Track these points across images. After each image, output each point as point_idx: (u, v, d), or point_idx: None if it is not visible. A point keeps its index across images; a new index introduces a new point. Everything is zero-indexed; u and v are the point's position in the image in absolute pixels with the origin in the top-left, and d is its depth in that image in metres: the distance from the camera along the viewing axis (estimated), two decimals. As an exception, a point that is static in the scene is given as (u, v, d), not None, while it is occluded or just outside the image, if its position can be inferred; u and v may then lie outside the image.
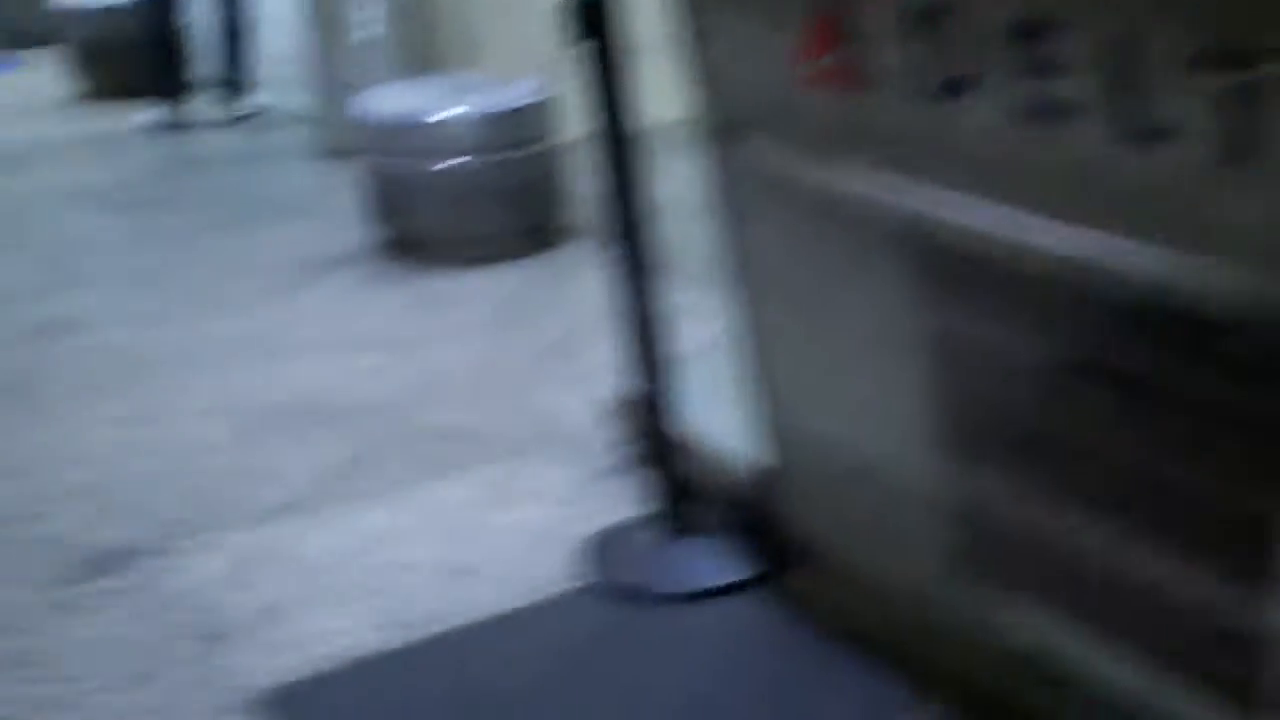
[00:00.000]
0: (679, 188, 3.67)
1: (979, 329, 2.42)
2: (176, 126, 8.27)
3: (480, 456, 4.06)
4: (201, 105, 8.57)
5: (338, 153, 6.81)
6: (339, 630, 3.29)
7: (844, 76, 2.45)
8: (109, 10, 8.98)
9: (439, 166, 5.46)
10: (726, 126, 2.90)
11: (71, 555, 3.76)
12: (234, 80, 8.49)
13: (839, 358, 2.84)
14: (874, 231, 2.54)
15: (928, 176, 2.36)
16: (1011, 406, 2.43)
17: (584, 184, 5.84)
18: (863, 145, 2.48)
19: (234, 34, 8.44)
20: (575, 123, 5.80)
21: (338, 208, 6.27)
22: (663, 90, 3.31)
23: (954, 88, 2.22)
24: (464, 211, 5.51)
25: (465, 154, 5.46)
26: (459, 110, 5.47)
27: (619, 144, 3.18)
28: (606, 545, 3.51)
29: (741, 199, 2.96)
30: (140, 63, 8.67)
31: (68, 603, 3.56)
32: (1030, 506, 2.45)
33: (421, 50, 7.03)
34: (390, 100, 5.69)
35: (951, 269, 2.40)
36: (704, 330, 4.53)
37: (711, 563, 3.34)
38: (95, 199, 6.93)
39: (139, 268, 5.89)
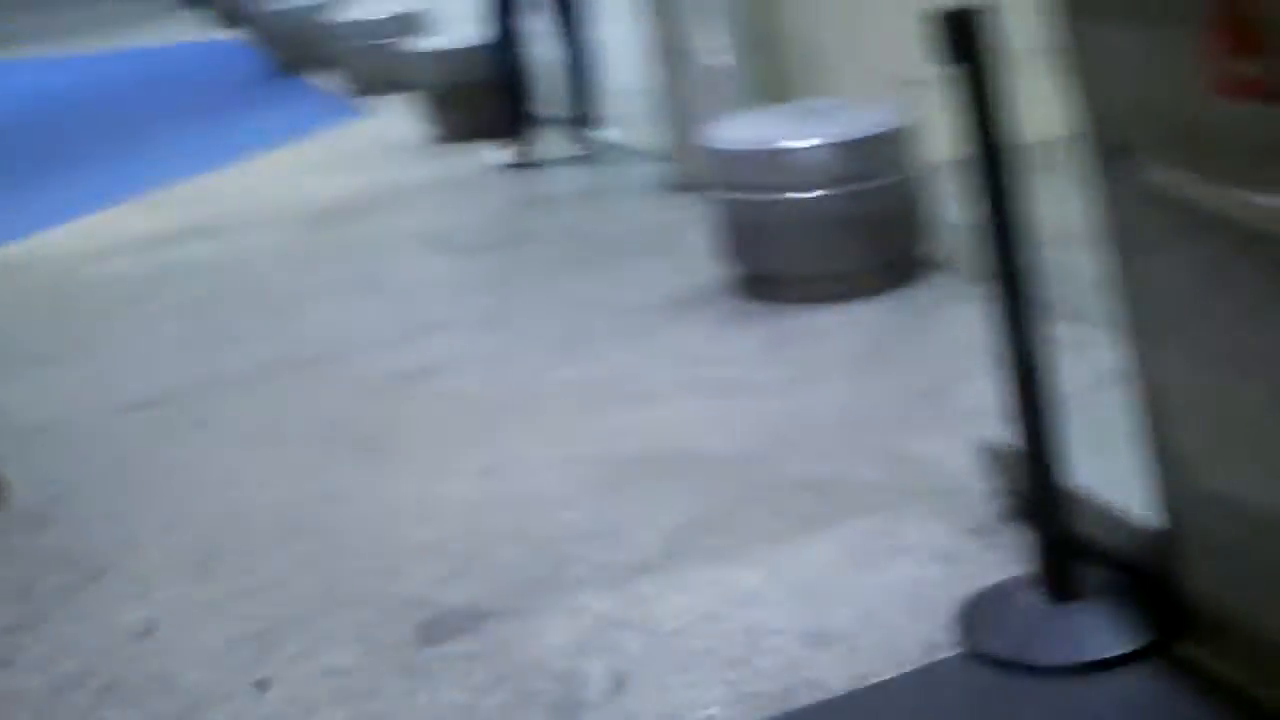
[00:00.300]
0: (1060, 212, 3.34)
1: None
2: (525, 166, 8.24)
3: (847, 510, 3.79)
4: (549, 143, 8.54)
5: (687, 187, 6.64)
6: (694, 703, 3.06)
7: (1264, 87, 2.11)
8: (458, 53, 9.02)
9: (794, 198, 5.21)
10: (1114, 147, 2.59)
11: (421, 616, 3.63)
12: (581, 117, 8.43)
13: (1253, 409, 2.49)
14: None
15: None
16: None
17: (948, 212, 5.53)
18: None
19: (579, 70, 8.38)
20: (936, 146, 5.54)
21: (689, 244, 6.09)
22: (1039, 103, 3.01)
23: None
24: (821, 246, 5.24)
25: (821, 185, 5.18)
26: (813, 140, 5.21)
27: (994, 170, 2.89)
28: (984, 609, 3.21)
29: (1134, 229, 2.64)
30: (489, 103, 8.71)
31: (415, 666, 3.43)
32: None
33: (770, 78, 6.82)
34: (740, 131, 5.47)
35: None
36: (1092, 371, 4.21)
37: (1099, 631, 3.02)
38: (447, 241, 6.92)
39: (490, 311, 5.81)
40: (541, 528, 3.97)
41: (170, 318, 6.39)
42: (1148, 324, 2.71)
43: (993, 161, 2.88)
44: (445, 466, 4.44)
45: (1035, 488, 3.09)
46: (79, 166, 10.29)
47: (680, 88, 6.91)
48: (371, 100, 10.43)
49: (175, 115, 11.57)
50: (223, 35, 15.86)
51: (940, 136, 5.53)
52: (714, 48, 6.77)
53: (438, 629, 3.57)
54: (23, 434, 5.09)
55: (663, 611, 3.45)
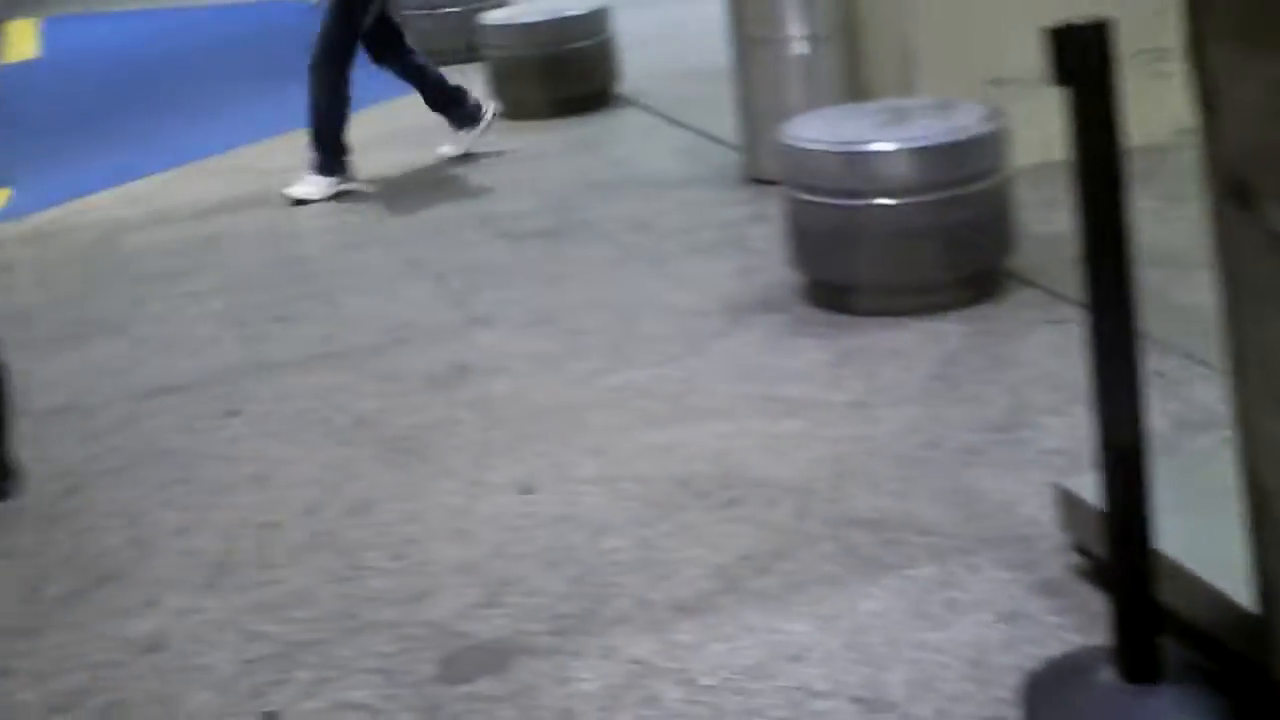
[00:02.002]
0: (1156, 230, 3.02)
1: None
2: (592, 145, 7.97)
3: (911, 555, 3.49)
4: (618, 121, 8.28)
5: (762, 180, 6.33)
6: (735, 776, 2.79)
7: None
8: (531, 27, 8.73)
9: (873, 204, 4.87)
10: (1236, 188, 2.28)
11: (446, 648, 3.38)
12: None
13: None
14: None
15: None
16: None
17: (1039, 224, 5.21)
18: None
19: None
20: (1027, 150, 5.23)
21: (759, 242, 5.78)
22: (1151, 107, 2.70)
23: None
24: (899, 255, 4.89)
25: (904, 191, 4.84)
26: (897, 143, 4.87)
27: (1104, 192, 2.57)
28: (1052, 683, 2.91)
29: (1252, 277, 2.32)
30: (557, 79, 8.50)
31: (439, 705, 3.17)
32: None
33: (853, 71, 6.50)
34: (818, 128, 5.14)
35: None
36: (1185, 412, 3.90)
37: (1178, 718, 2.71)
38: (502, 225, 6.62)
39: (540, 305, 5.51)
40: (581, 555, 3.69)
41: (211, 295, 6.13)
42: (1258, 382, 2.40)
43: (1102, 183, 2.57)
44: (482, 479, 4.16)
45: (1118, 549, 2.78)
46: (137, 129, 10.06)
47: (757, 77, 6.58)
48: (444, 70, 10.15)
49: (238, 78, 11.31)
50: (296, -5, 15.65)
51: (1031, 140, 5.27)
52: (796, 36, 6.45)
53: (463, 665, 3.32)
54: (42, 417, 4.85)
55: (704, 662, 3.17)
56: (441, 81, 7.86)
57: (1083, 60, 2.52)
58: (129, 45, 14.14)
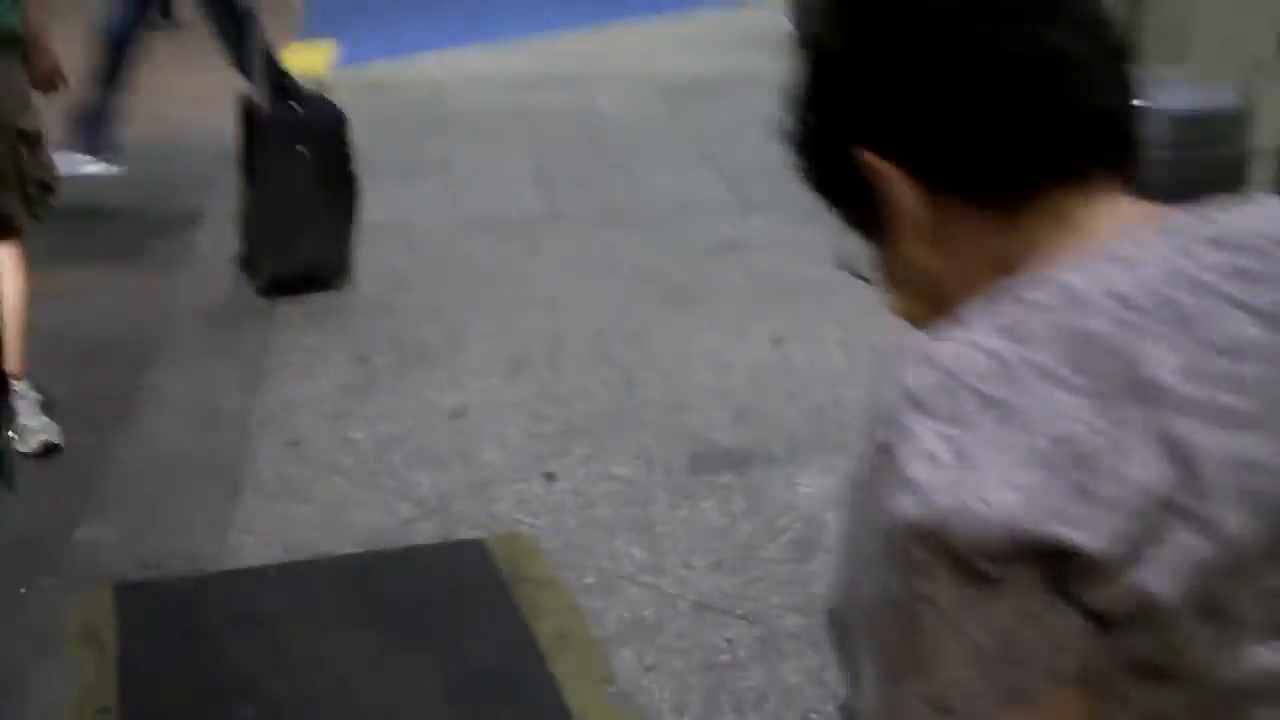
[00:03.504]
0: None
1: None
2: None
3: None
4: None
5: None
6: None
7: None
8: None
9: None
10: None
11: (695, 448, 4.09)
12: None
13: None
14: None
15: None
16: None
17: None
18: None
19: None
20: (1271, 133, 5.69)
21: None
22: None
23: None
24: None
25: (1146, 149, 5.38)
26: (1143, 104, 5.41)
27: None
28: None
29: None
30: None
31: (683, 487, 3.89)
32: None
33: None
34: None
35: None
36: None
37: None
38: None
39: (811, 200, 6.16)
40: (818, 396, 4.38)
41: (521, 154, 6.91)
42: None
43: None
44: (742, 329, 4.87)
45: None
46: (452, 3, 10.88)
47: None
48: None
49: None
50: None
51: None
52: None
53: (708, 461, 4.02)
54: (377, 231, 5.67)
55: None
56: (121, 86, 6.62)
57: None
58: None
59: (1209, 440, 1.02)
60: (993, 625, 1.02)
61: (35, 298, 4.29)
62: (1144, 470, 1.00)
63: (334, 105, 5.37)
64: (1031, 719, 1.04)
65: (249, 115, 5.28)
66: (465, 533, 3.73)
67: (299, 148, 5.13)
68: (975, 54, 1.12)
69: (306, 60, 8.79)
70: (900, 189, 1.15)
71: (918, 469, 1.01)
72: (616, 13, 10.21)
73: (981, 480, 0.99)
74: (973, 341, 1.05)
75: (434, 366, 4.65)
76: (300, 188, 5.14)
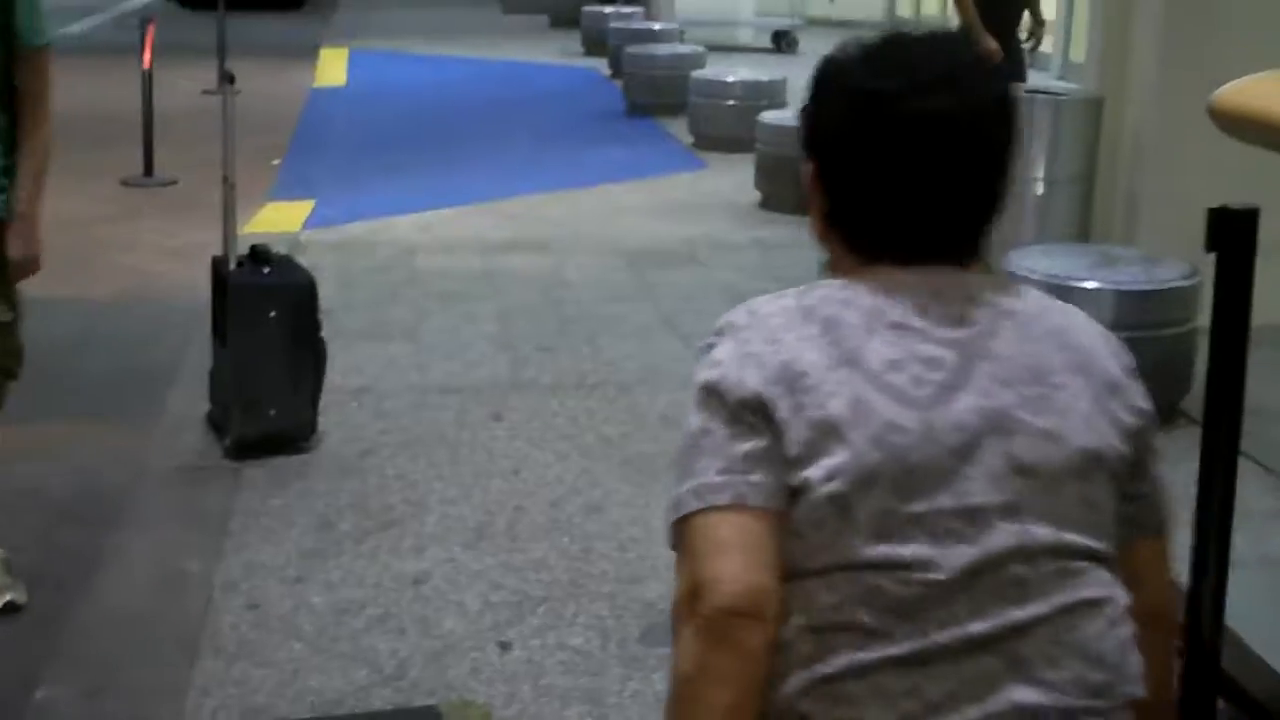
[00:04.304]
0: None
1: None
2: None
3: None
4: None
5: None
6: None
7: None
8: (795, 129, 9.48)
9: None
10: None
11: (648, 619, 4.17)
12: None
13: None
14: None
15: None
16: None
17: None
18: None
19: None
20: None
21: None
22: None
23: None
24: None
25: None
26: (1095, 282, 5.60)
27: (1228, 340, 3.26)
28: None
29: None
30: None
31: (639, 659, 3.97)
32: None
33: (1081, 215, 7.20)
34: (1037, 260, 5.88)
35: None
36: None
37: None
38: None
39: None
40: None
41: (489, 318, 7.05)
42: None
43: (1229, 334, 3.27)
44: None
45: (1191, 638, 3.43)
46: (429, 163, 11.10)
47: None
48: (714, 156, 10.99)
49: (526, 131, 12.33)
50: (582, 63, 16.69)
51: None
52: (1037, 178, 7.16)
53: (663, 633, 4.07)
54: (344, 394, 5.78)
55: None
56: None
57: (1231, 237, 3.23)
58: (426, 85, 15.32)
59: (880, 404, 1.83)
60: (738, 452, 1.84)
61: (7, 455, 4.38)
62: (835, 405, 1.83)
63: (303, 269, 5.51)
64: (741, 517, 1.81)
65: (219, 276, 5.41)
66: (420, 700, 3.81)
67: (269, 311, 5.25)
68: (862, 159, 1.99)
69: (284, 218, 8.97)
70: (816, 197, 2.06)
71: (718, 356, 1.92)
72: (586, 178, 10.43)
73: (743, 370, 1.88)
74: (783, 303, 1.97)
75: (397, 533, 4.74)
76: (268, 350, 5.26)
